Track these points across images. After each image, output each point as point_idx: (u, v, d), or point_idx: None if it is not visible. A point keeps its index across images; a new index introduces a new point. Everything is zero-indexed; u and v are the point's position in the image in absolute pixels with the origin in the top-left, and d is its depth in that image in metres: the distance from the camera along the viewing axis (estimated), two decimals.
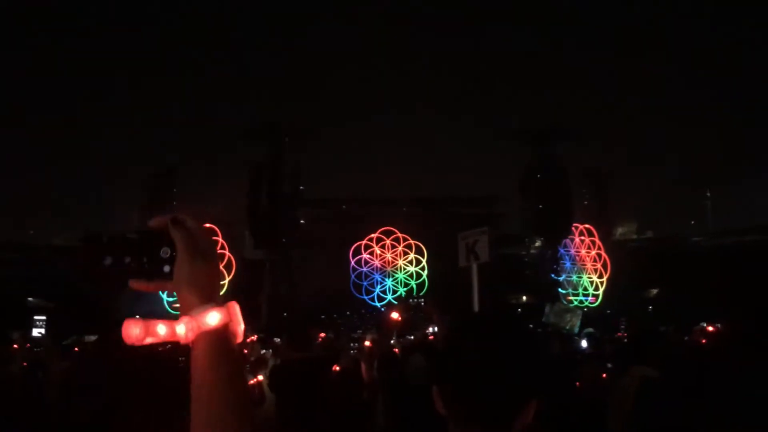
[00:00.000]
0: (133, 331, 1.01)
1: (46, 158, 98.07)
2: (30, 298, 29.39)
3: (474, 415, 1.35)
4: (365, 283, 33.79)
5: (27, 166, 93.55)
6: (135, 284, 1.07)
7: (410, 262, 34.15)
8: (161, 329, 1.02)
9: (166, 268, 1.05)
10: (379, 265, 34.10)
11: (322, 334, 8.08)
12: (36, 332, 13.80)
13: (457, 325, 1.54)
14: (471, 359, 1.36)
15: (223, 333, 1.04)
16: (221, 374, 1.01)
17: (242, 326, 1.08)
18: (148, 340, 1.02)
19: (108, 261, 1.02)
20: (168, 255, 1.04)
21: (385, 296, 33.38)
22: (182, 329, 1.02)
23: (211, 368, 1.02)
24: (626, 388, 4.15)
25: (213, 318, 1.03)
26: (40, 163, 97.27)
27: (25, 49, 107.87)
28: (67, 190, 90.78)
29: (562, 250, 34.00)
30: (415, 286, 33.53)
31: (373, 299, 33.41)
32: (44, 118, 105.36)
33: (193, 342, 1.03)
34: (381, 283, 33.88)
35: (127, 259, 1.02)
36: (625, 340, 12.15)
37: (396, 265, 34.09)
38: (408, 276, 34.04)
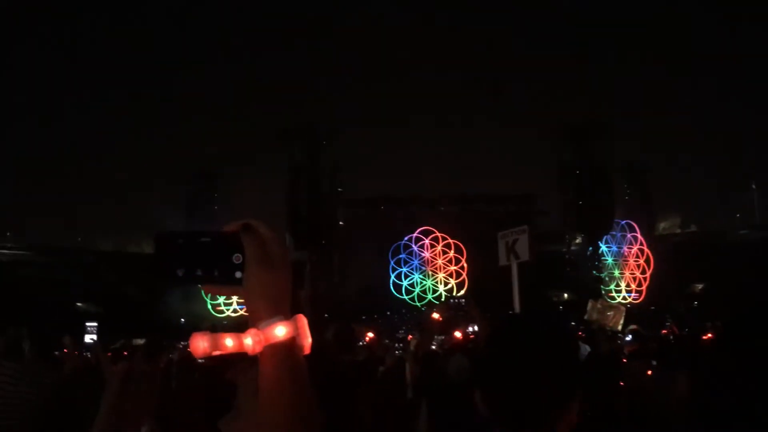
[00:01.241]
0: (201, 344, 1.01)
1: (90, 163, 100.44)
2: (79, 303, 30.15)
3: (518, 416, 1.36)
4: (405, 283, 33.83)
5: (72, 171, 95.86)
6: (208, 288, 1.06)
7: (449, 261, 34.06)
8: (229, 342, 1.02)
9: (238, 275, 1.04)
10: (418, 265, 34.11)
11: (371, 335, 8.06)
12: (88, 338, 14.12)
13: (498, 325, 1.56)
14: (512, 359, 1.37)
15: (290, 346, 1.04)
16: (288, 387, 1.02)
17: (309, 340, 1.08)
18: (216, 353, 1.02)
19: (181, 273, 1.01)
20: (240, 261, 1.04)
21: (425, 296, 33.36)
22: (249, 342, 1.02)
23: (277, 381, 1.02)
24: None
25: (280, 331, 1.03)
26: (84, 169, 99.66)
27: (66, 49, 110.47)
28: (109, 194, 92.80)
29: (603, 246, 33.56)
30: (455, 285, 33.46)
31: (413, 299, 33.43)
32: (84, 123, 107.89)
33: (260, 355, 1.02)
34: (421, 282, 33.89)
35: (198, 272, 1.02)
36: (671, 338, 11.91)
37: (435, 265, 34.05)
38: (447, 275, 33.98)
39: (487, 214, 37.66)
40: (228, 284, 1.04)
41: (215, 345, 1.02)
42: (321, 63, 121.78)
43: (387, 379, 6.09)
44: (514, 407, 1.36)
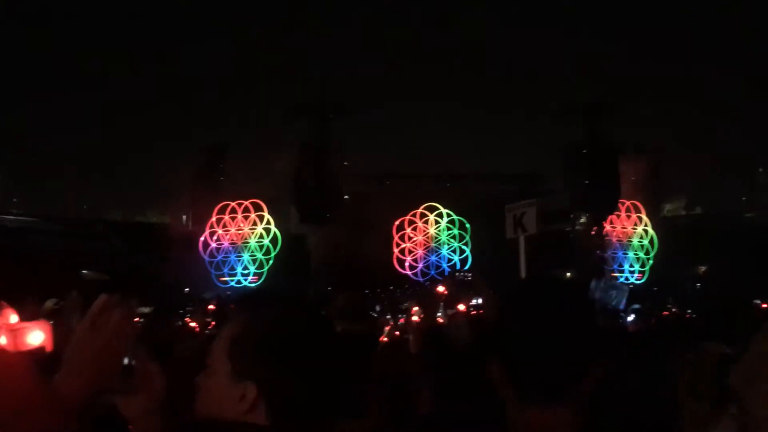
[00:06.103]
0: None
1: (95, 135, 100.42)
2: (85, 271, 30.24)
3: (537, 383, 1.32)
4: (409, 259, 33.93)
5: (80, 142, 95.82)
6: None
7: (453, 238, 34.13)
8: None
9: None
10: (422, 241, 34.17)
11: (388, 327, 8.11)
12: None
13: (513, 292, 1.50)
14: (534, 325, 1.33)
15: None
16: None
17: None
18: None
19: None
20: None
21: (428, 272, 33.46)
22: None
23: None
24: (700, 366, 3.80)
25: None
26: (91, 141, 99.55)
27: (74, 25, 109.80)
28: (116, 166, 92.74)
29: (608, 226, 33.48)
30: (458, 262, 33.56)
31: (416, 274, 33.53)
32: (90, 97, 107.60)
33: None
34: (424, 258, 33.97)
35: None
36: (674, 319, 11.94)
37: (439, 241, 34.11)
38: (451, 251, 34.05)
39: (493, 191, 37.53)
40: None
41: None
42: (331, 38, 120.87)
43: (389, 351, 6.14)
44: (534, 376, 1.33)
